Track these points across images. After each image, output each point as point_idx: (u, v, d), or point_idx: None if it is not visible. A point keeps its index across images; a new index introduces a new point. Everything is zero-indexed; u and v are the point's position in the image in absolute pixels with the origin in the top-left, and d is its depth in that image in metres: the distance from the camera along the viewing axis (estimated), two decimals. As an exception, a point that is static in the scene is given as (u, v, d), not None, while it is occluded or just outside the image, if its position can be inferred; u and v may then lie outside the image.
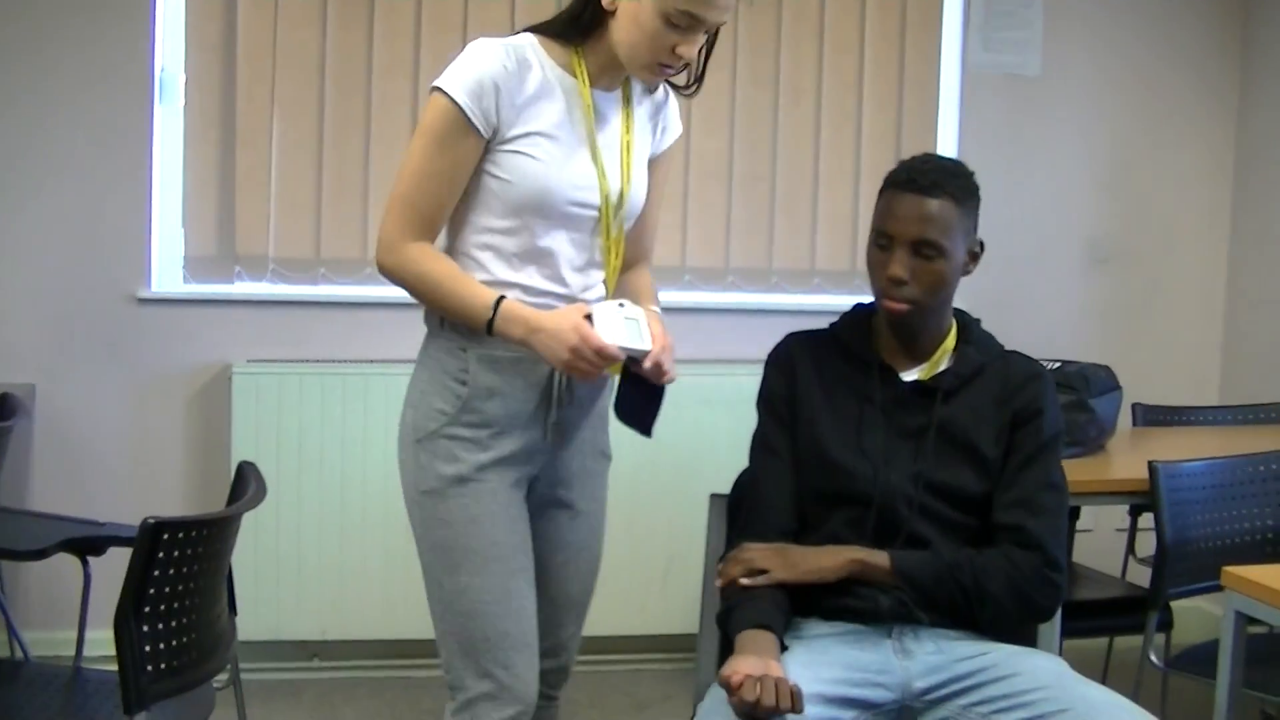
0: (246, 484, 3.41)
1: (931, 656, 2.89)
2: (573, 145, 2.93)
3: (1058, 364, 4.48)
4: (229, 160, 5.24)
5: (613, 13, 2.85)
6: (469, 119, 2.82)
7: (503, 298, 2.84)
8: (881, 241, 2.98)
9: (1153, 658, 4.02)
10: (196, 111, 5.23)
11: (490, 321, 2.82)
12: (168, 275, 5.29)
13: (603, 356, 2.76)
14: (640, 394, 2.88)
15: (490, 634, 2.92)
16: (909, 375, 3.07)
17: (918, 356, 3.09)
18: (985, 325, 3.20)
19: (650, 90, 3.10)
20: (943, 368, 3.08)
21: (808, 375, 3.10)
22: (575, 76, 2.94)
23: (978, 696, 2.81)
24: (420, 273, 2.87)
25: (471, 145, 2.86)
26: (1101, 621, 4.55)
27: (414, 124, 5.28)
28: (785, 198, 5.76)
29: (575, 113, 2.93)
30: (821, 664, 2.81)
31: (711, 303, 5.73)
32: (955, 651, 2.89)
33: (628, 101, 3.05)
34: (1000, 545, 2.98)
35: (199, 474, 5.32)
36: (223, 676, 3.37)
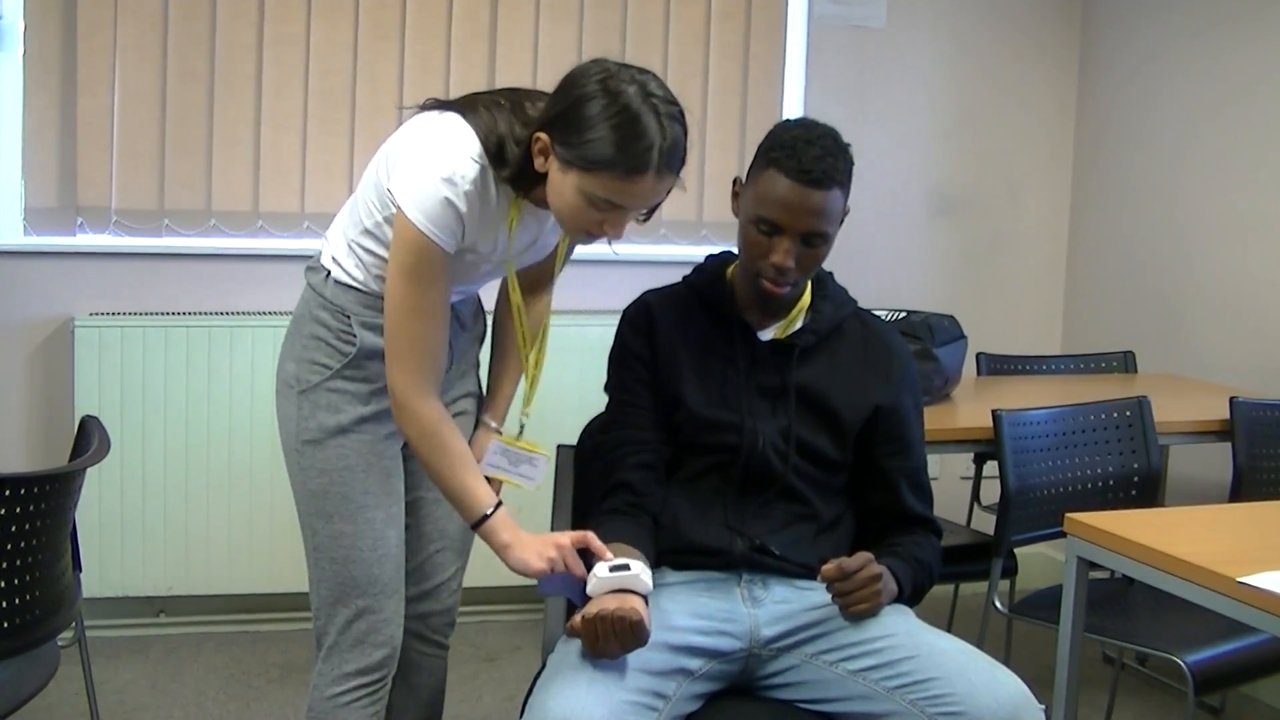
0: (90, 439, 3.37)
1: (779, 605, 2.92)
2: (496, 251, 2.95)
3: (903, 313, 4.51)
4: (70, 109, 5.12)
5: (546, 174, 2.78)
6: (447, 251, 2.79)
7: (500, 503, 2.86)
8: (764, 227, 2.90)
9: (997, 604, 4.09)
10: (36, 59, 5.09)
11: (481, 520, 2.84)
12: (7, 227, 5.15)
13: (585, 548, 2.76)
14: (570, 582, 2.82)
15: (360, 579, 2.98)
16: (765, 334, 3.07)
17: (775, 314, 3.08)
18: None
19: None
20: (799, 325, 3.08)
21: (669, 333, 3.07)
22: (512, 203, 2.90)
23: (825, 645, 2.85)
24: (431, 440, 2.85)
25: (450, 261, 2.84)
26: (947, 568, 4.54)
27: (258, 73, 5.25)
28: (633, 149, 5.70)
29: (504, 230, 2.92)
30: (670, 612, 2.83)
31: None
32: (803, 600, 2.92)
33: None
34: (914, 532, 3.11)
35: (41, 429, 5.22)
36: (68, 634, 3.34)
